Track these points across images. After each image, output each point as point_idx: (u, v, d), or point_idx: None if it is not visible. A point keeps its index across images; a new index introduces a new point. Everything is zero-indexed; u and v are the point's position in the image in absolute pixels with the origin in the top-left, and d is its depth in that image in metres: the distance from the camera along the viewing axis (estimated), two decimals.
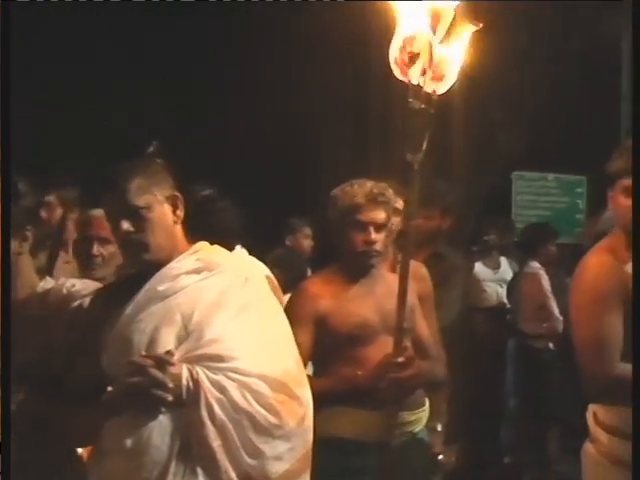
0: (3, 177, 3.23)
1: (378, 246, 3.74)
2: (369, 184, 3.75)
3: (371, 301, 3.75)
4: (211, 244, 3.14)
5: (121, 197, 2.93)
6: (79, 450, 3.44)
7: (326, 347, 3.68)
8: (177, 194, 3.05)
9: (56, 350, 3.32)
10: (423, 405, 3.92)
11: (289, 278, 4.88)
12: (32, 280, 3.60)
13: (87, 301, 3.33)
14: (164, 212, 3.00)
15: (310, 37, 10.05)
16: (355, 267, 3.81)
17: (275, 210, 8.73)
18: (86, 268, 3.83)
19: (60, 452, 3.39)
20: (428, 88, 3.03)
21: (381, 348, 3.54)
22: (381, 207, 3.74)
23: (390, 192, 3.77)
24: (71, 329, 3.33)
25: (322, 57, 10.36)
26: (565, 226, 10.88)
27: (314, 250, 7.63)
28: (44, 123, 9.44)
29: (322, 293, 3.75)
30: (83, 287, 3.58)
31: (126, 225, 2.92)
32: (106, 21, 10.13)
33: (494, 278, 8.59)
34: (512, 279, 8.41)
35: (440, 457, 4.62)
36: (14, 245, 3.45)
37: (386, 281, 3.82)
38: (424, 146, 3.07)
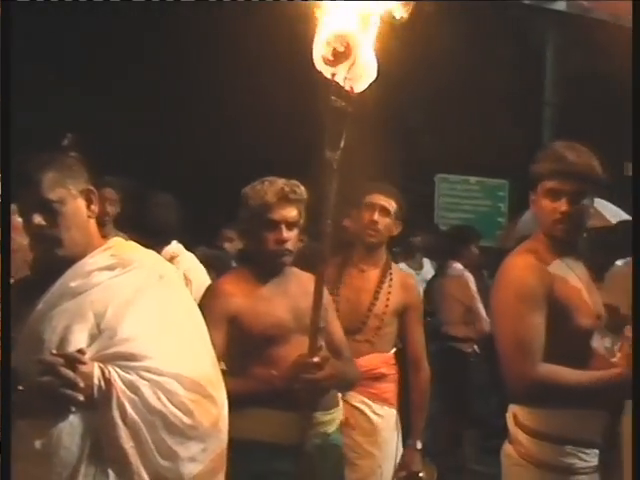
0: (3, 176, 3.17)
1: (290, 245, 3.70)
2: (280, 182, 3.70)
3: (285, 300, 3.71)
4: (147, 239, 3.09)
5: (34, 190, 2.85)
6: None
7: (240, 346, 3.63)
8: (92, 188, 2.98)
9: None
10: (337, 405, 3.90)
11: (217, 276, 4.86)
12: None
13: None
14: (78, 206, 2.93)
15: (235, 35, 10.03)
16: (267, 266, 3.76)
17: (201, 209, 8.67)
18: None
19: None
20: (346, 85, 3.00)
21: (295, 348, 3.51)
22: (293, 205, 3.69)
23: (302, 189, 3.72)
24: None
25: (247, 55, 10.34)
26: (487, 229, 10.99)
27: (238, 250, 7.60)
28: None
29: (234, 292, 3.69)
30: None
31: (38, 219, 2.85)
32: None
33: (417, 279, 8.60)
34: (431, 281, 8.41)
35: (421, 474, 4.63)
36: None
37: (300, 280, 3.79)
38: (342, 144, 3.04)
